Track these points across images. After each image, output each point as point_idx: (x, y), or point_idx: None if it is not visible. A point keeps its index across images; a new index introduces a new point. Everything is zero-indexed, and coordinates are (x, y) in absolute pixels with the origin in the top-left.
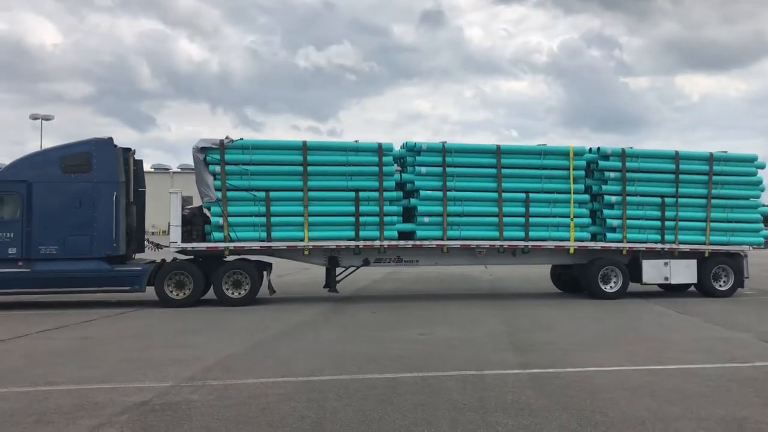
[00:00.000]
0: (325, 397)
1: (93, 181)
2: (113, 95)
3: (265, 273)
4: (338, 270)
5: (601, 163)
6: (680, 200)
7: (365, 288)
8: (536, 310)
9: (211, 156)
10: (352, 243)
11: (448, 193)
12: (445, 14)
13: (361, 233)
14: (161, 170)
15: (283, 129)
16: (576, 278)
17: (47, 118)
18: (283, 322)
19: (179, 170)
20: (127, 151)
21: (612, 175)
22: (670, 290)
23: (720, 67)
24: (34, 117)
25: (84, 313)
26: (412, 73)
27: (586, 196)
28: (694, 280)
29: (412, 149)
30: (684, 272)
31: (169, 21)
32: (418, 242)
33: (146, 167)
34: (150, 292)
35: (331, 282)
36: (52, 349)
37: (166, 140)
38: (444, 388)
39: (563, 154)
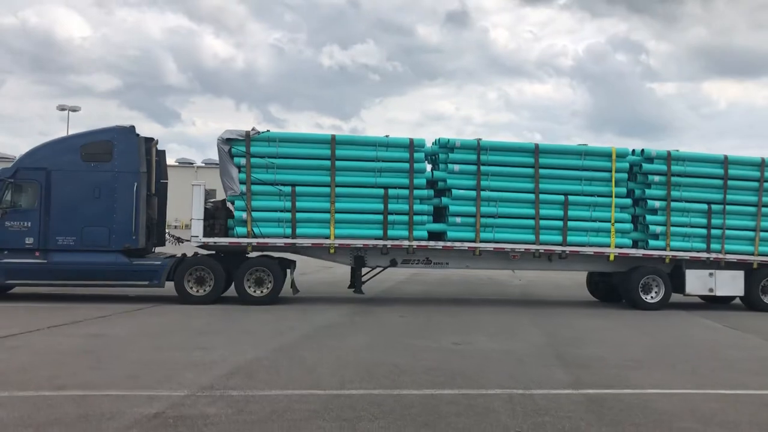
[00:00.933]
0: (357, 417)
1: (114, 170)
2: (139, 89)
3: (288, 271)
4: (364, 270)
5: (645, 166)
6: (728, 207)
7: (390, 290)
8: (576, 320)
9: (237, 148)
10: (380, 242)
11: (482, 193)
12: (470, 15)
13: (390, 232)
14: (185, 164)
15: (306, 126)
16: (614, 287)
17: (74, 110)
18: (308, 324)
19: (203, 165)
20: (150, 141)
21: (656, 179)
22: (712, 302)
23: (749, 74)
24: (62, 108)
25: (99, 308)
26: (436, 74)
27: (628, 201)
28: (741, 293)
29: (445, 146)
30: (730, 284)
31: (195, 17)
32: (449, 244)
33: (170, 161)
34: (169, 287)
35: (356, 282)
36: (62, 347)
37: (190, 135)
38: (491, 410)
39: (605, 155)
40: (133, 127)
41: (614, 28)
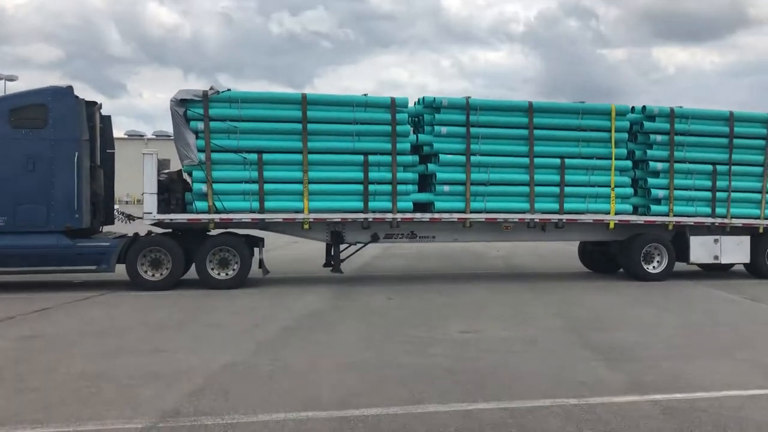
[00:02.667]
0: None
1: (50, 138)
2: (81, 60)
3: (256, 250)
4: (342, 247)
5: (647, 124)
6: (734, 168)
7: (367, 266)
8: (582, 296)
9: (193, 110)
10: (360, 216)
11: (472, 158)
12: None
13: (371, 204)
14: (135, 137)
15: None
16: (610, 257)
17: (11, 79)
18: (286, 313)
19: (154, 137)
20: (92, 105)
21: (658, 138)
22: (710, 270)
23: (696, 40)
24: None
25: (38, 299)
26: (389, 41)
27: (628, 163)
28: (747, 260)
29: (431, 105)
30: (736, 250)
31: None
32: (436, 215)
33: (118, 134)
34: (120, 271)
35: (334, 261)
36: None
37: (138, 107)
38: None
39: (604, 113)
40: (70, 88)
41: None
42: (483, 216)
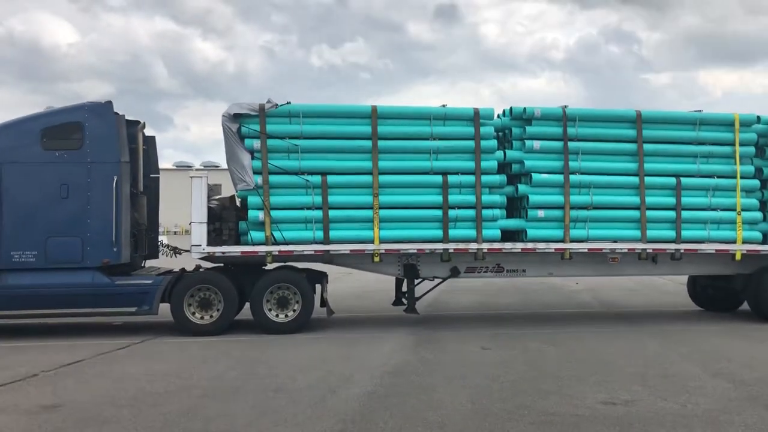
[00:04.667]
0: None
1: (85, 161)
2: (131, 95)
3: (319, 287)
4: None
5: None
6: None
7: (437, 303)
8: (719, 344)
9: (248, 127)
10: (439, 246)
11: (571, 177)
12: (460, 10)
13: (451, 232)
14: (183, 167)
15: None
16: (728, 292)
17: None
18: (364, 371)
19: (202, 168)
20: (135, 125)
21: None
22: None
23: (744, 61)
24: None
25: (70, 348)
26: (429, 71)
27: (756, 182)
28: None
29: (520, 117)
30: None
31: (181, 20)
32: (529, 245)
33: (166, 165)
34: (165, 311)
35: (408, 299)
36: None
37: (185, 140)
38: None
39: (726, 123)
40: (109, 104)
41: (605, 19)
42: (585, 246)
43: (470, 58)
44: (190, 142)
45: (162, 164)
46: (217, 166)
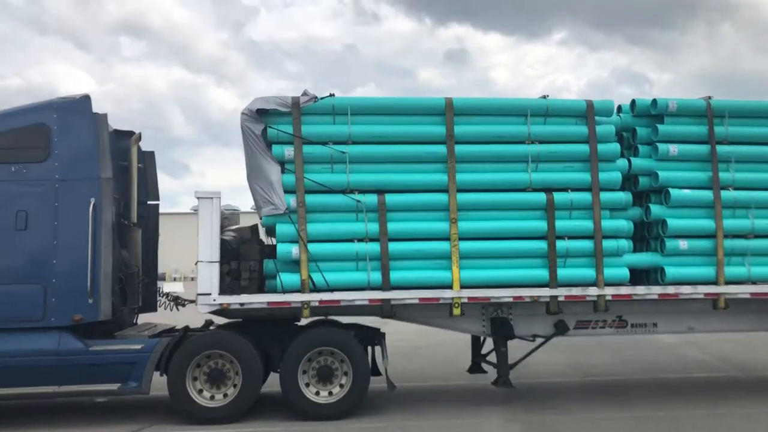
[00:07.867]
0: None
1: (52, 177)
2: (148, 142)
3: (377, 352)
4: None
5: None
6: None
7: (520, 367)
8: None
9: (277, 128)
10: (545, 292)
11: (723, 194)
12: (470, 55)
13: (560, 272)
14: None
15: None
16: None
17: None
18: None
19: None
20: (128, 136)
21: None
22: None
23: (756, 98)
24: None
25: None
26: None
27: None
28: None
29: (647, 113)
30: None
31: (194, 68)
32: (670, 289)
33: (182, 210)
34: (160, 386)
35: (500, 367)
36: None
37: (201, 186)
38: None
39: None
40: (87, 99)
41: (614, 61)
42: (748, 290)
43: None
44: (206, 188)
45: (178, 208)
46: (235, 210)
